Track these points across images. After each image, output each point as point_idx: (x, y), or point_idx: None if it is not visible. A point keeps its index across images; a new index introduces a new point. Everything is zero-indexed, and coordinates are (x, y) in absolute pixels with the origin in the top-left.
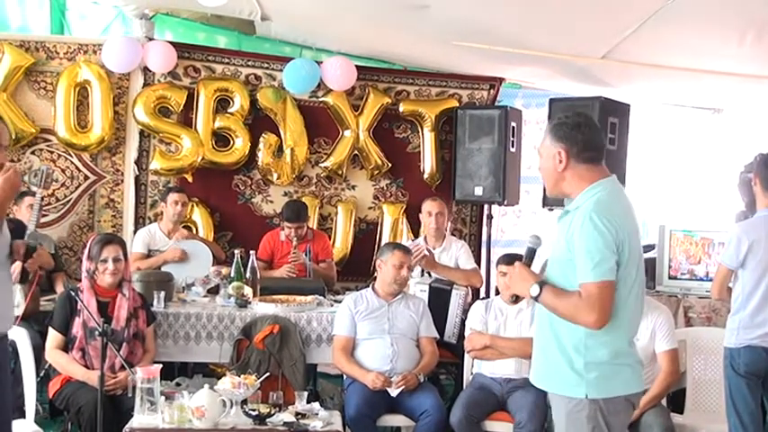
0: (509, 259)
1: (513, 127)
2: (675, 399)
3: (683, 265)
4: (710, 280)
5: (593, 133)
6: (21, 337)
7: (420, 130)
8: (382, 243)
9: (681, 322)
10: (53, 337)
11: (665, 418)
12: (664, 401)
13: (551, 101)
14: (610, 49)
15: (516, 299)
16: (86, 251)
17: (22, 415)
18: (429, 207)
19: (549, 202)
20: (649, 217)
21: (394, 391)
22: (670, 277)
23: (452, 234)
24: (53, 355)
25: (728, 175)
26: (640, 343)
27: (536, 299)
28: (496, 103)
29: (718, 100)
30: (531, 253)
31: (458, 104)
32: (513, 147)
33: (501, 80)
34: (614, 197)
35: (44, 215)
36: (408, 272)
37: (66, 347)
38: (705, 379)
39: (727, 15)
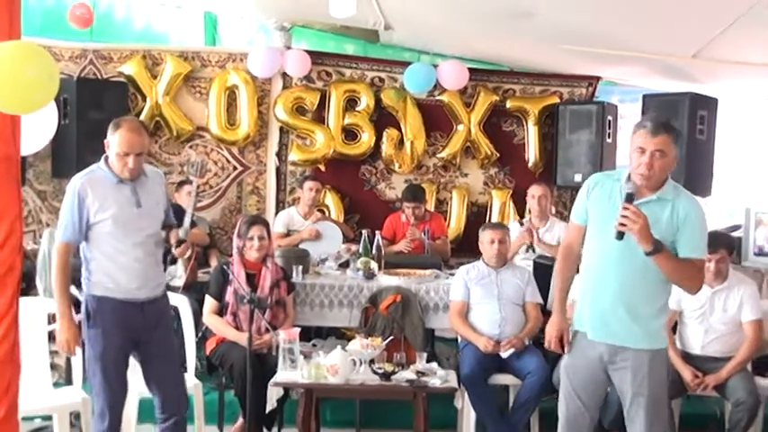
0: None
1: (610, 120)
2: (760, 364)
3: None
4: None
5: None
6: (182, 304)
7: (525, 123)
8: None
9: (765, 294)
10: (209, 303)
11: (749, 381)
12: (749, 366)
13: (644, 96)
14: (700, 48)
15: (621, 236)
16: (236, 230)
17: (185, 370)
18: (533, 191)
19: None
20: (736, 200)
21: (504, 353)
22: (755, 254)
23: (555, 216)
24: (209, 318)
25: None
26: (728, 313)
27: (651, 253)
28: (594, 99)
29: None
30: (631, 197)
31: (559, 101)
32: (609, 138)
33: (598, 78)
34: None
35: (199, 201)
36: (501, 246)
37: (220, 312)
38: None
39: None
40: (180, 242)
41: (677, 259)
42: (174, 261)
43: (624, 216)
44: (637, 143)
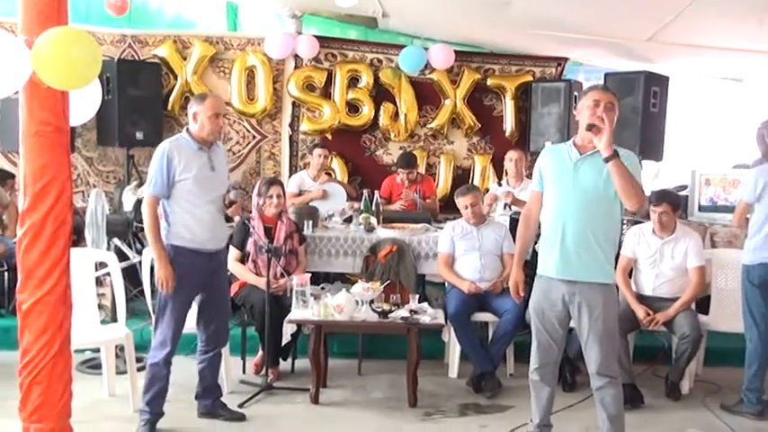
0: None
1: (575, 96)
2: (702, 304)
3: (710, 201)
4: (731, 211)
5: None
6: None
7: (503, 98)
8: (474, 184)
9: (707, 245)
10: (233, 252)
11: (693, 318)
12: (693, 306)
13: (606, 75)
14: (653, 33)
15: (591, 127)
16: (256, 190)
17: None
18: (510, 155)
19: None
20: (683, 163)
21: (484, 287)
22: (699, 209)
23: (528, 177)
24: (233, 265)
25: (747, 130)
26: (676, 260)
27: (610, 158)
28: (562, 78)
29: (739, 72)
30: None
31: (532, 79)
32: (575, 111)
33: (566, 59)
34: None
35: None
36: (474, 208)
37: (242, 260)
38: (726, 288)
39: (748, 3)
40: (231, 203)
41: (627, 170)
42: (228, 219)
43: (599, 118)
44: (591, 98)
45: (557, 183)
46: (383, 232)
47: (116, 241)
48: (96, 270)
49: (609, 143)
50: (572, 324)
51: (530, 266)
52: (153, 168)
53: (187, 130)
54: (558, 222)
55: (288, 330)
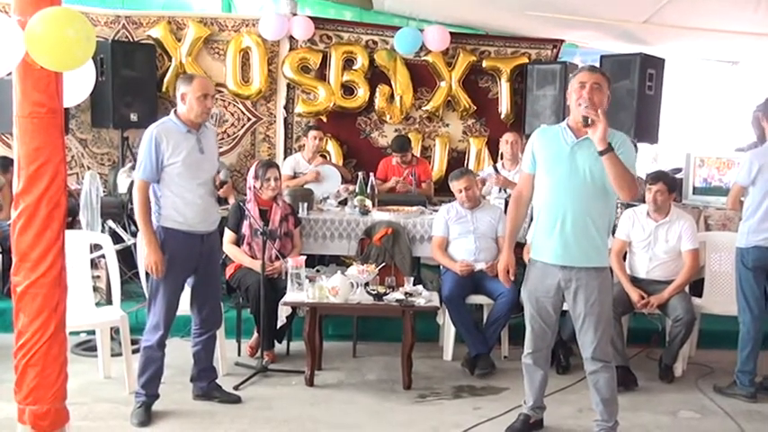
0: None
1: (570, 78)
2: (696, 286)
3: (704, 181)
4: (725, 193)
5: None
6: None
7: (498, 80)
8: (469, 167)
9: (702, 228)
10: (228, 235)
11: (687, 301)
12: (687, 288)
13: (602, 57)
14: (649, 15)
15: (587, 121)
16: (253, 172)
17: None
18: (506, 137)
19: None
20: (678, 146)
21: (478, 267)
22: (694, 192)
23: None
24: (228, 248)
25: (743, 113)
26: (670, 243)
27: (604, 152)
28: (558, 60)
29: (735, 54)
30: (588, 120)
31: (528, 61)
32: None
33: (562, 41)
34: None
35: (219, 147)
36: (467, 192)
37: (237, 242)
38: (720, 271)
39: None
40: (222, 183)
41: (621, 162)
42: (220, 201)
43: (594, 112)
44: (578, 80)
45: (553, 167)
46: (378, 215)
47: (111, 223)
48: (91, 252)
49: (603, 137)
50: (565, 307)
51: (523, 248)
52: (142, 153)
53: (174, 112)
54: (556, 208)
55: (283, 313)
